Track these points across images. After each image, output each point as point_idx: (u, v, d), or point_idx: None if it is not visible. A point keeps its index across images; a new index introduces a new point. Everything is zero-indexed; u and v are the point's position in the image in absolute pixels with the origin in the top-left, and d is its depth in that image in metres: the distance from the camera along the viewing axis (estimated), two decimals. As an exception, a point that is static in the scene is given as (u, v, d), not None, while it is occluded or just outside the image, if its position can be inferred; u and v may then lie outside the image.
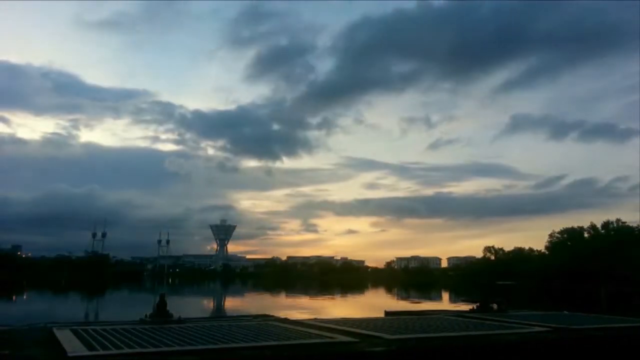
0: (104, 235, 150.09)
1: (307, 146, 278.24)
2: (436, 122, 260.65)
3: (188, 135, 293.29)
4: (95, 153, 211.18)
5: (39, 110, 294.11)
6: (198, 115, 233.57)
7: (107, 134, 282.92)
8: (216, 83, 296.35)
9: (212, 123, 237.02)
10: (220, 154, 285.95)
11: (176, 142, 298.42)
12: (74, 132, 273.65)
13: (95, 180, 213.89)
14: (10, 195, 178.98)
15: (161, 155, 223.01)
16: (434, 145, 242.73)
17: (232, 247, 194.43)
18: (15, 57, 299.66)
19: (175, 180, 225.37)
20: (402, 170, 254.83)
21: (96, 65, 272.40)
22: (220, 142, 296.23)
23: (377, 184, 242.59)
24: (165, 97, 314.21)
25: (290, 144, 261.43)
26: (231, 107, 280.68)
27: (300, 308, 34.40)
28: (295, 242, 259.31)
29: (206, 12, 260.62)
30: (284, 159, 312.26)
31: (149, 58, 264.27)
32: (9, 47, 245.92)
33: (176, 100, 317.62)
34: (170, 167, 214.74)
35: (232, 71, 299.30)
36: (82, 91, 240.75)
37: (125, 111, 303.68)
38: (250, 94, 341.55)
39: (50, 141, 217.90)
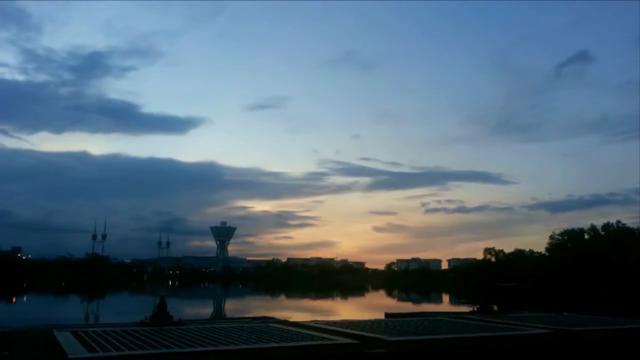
0: (104, 237, 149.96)
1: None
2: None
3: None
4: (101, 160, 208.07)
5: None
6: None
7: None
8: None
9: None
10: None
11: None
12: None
13: (98, 185, 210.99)
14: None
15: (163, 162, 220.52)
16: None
17: (232, 249, 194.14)
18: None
19: (177, 183, 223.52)
20: (402, 173, 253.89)
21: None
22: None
23: (378, 188, 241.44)
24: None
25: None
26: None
27: (300, 310, 34.38)
28: (295, 244, 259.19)
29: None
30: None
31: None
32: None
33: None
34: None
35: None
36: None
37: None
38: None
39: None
